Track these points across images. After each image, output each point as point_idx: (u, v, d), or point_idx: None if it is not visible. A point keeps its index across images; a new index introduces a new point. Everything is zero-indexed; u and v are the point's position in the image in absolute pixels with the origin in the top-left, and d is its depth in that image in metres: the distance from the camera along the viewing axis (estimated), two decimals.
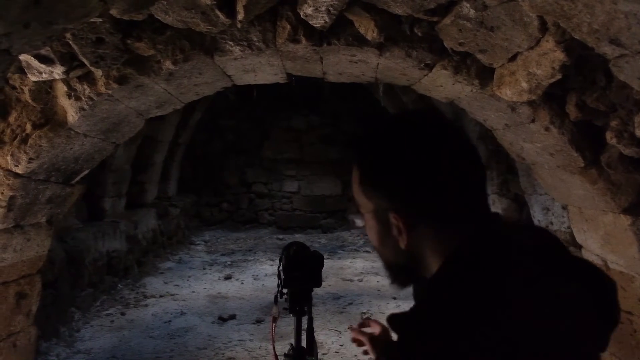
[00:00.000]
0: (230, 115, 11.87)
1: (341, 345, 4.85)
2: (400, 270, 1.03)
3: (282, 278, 2.15)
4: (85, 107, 2.98)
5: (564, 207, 4.83)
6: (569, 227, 4.81)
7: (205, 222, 11.84)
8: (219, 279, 7.57)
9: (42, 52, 2.61)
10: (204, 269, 8.20)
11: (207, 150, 11.87)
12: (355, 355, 4.65)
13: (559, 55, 2.17)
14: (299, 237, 10.27)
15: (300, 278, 2.15)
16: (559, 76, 2.32)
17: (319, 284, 2.22)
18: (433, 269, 0.95)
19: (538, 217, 5.45)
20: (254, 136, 12.11)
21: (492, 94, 2.83)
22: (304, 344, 2.19)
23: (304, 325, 2.18)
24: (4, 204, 3.11)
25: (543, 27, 2.12)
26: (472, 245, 0.91)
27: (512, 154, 3.59)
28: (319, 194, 12.02)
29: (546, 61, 2.26)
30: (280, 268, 2.17)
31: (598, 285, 0.94)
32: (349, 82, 3.73)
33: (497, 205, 6.55)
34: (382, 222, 0.99)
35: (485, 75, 2.77)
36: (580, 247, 3.83)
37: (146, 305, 6.22)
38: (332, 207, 11.98)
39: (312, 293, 2.21)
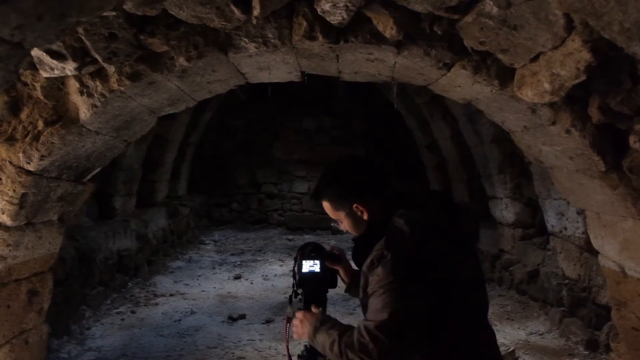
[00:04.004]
0: (241, 116, 11.84)
1: None
2: (364, 236, 1.91)
3: (297, 278, 2.11)
4: (98, 104, 2.94)
5: (579, 213, 4.75)
6: (583, 233, 4.74)
7: (215, 222, 11.82)
8: (229, 279, 7.55)
9: (54, 47, 2.57)
10: (214, 268, 8.19)
11: (217, 150, 11.84)
12: None
13: (585, 56, 2.11)
14: (308, 238, 10.22)
15: (315, 278, 2.10)
16: (583, 77, 2.25)
17: (334, 285, 2.17)
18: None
19: (552, 221, 5.38)
20: (264, 137, 12.07)
21: (512, 95, 2.77)
22: None
23: None
24: (15, 201, 3.08)
25: (569, 26, 2.05)
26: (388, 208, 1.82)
27: (530, 157, 3.52)
28: None
29: (571, 61, 2.19)
30: (295, 268, 2.12)
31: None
32: (363, 82, 3.68)
33: (509, 209, 6.47)
34: (352, 215, 1.91)
35: (505, 76, 2.70)
36: (596, 252, 3.75)
37: (156, 304, 6.21)
38: None
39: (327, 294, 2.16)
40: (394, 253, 1.67)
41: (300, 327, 1.93)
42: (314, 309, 1.98)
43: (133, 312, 5.85)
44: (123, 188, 7.13)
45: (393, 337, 1.59)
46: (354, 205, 1.88)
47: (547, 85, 2.43)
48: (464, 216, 1.87)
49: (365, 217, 1.88)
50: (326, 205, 1.97)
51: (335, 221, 2.00)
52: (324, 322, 1.84)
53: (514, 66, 2.61)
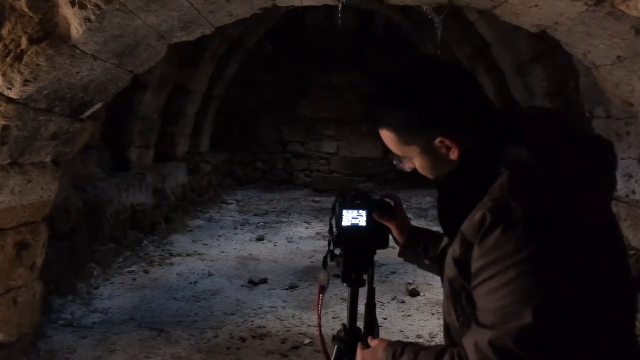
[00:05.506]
0: (267, 70, 11.25)
1: (385, 319, 4.33)
2: (456, 178, 1.20)
3: (334, 234, 1.55)
4: (92, 17, 2.43)
5: None
6: None
7: (238, 181, 11.38)
8: (251, 240, 7.13)
9: None
10: (235, 228, 7.77)
11: (241, 106, 11.29)
12: (401, 331, 4.13)
13: None
14: None
15: (359, 235, 1.55)
16: None
17: (384, 245, 1.61)
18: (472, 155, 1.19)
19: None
20: (291, 93, 11.47)
21: (610, 11, 2.17)
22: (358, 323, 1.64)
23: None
24: None
25: None
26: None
27: (615, 99, 2.90)
28: (359, 156, 11.37)
29: None
30: (333, 221, 1.57)
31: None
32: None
33: None
34: (431, 153, 1.24)
35: None
36: None
37: (172, 264, 5.82)
38: (371, 170, 11.33)
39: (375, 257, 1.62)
40: (528, 206, 1.02)
41: None
42: (370, 341, 1.38)
43: (146, 271, 5.44)
44: (139, 139, 6.67)
45: (542, 352, 0.97)
46: (438, 140, 1.20)
47: None
48: (603, 152, 1.15)
49: (453, 156, 1.21)
50: (388, 135, 1.28)
51: (398, 157, 1.31)
52: (399, 354, 1.22)
53: None
